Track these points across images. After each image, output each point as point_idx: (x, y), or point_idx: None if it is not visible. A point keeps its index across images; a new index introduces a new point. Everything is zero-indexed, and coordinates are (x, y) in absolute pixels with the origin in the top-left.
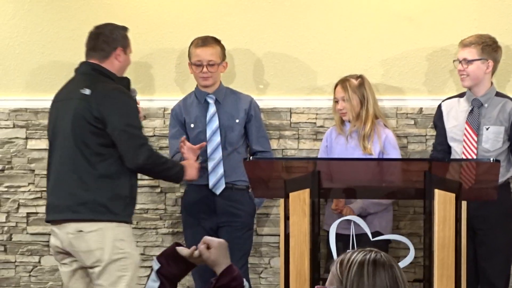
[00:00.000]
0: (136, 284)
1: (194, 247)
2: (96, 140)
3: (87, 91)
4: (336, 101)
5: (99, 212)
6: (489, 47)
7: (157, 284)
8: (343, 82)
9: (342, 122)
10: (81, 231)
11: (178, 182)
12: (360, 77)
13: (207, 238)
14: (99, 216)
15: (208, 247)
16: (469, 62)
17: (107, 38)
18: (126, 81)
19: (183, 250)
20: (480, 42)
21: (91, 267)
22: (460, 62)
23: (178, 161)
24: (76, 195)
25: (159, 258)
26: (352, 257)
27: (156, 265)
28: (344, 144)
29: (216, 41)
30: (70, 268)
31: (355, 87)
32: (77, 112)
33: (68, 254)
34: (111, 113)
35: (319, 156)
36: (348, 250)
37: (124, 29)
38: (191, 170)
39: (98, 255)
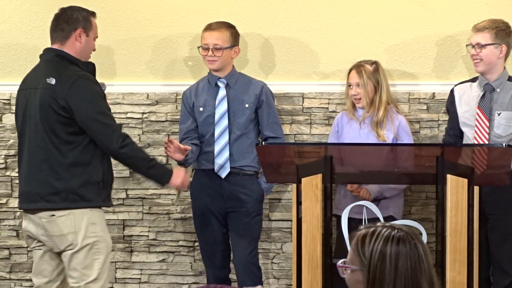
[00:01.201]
0: (108, 267)
1: None
2: (65, 129)
3: (52, 81)
4: (349, 86)
5: (71, 200)
6: (502, 31)
7: None
8: (358, 67)
9: (354, 107)
10: (53, 215)
11: (162, 185)
12: (375, 63)
13: None
14: (72, 204)
15: None
16: (483, 46)
17: (68, 18)
18: (92, 66)
19: None
20: (494, 26)
21: (64, 251)
22: (473, 46)
23: (166, 166)
24: (48, 184)
25: None
26: (374, 238)
27: None
28: (357, 130)
29: (228, 26)
30: (40, 251)
31: (370, 72)
32: (44, 102)
33: (39, 241)
34: (79, 102)
35: (328, 140)
36: (366, 225)
37: (89, 12)
38: (176, 178)
39: (71, 239)
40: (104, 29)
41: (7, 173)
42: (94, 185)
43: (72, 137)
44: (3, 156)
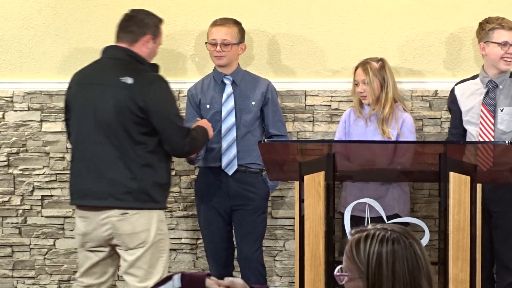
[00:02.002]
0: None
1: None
2: (138, 129)
3: (128, 80)
4: (356, 84)
5: (142, 201)
6: None
7: None
8: (364, 64)
9: (361, 104)
10: (126, 213)
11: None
12: (381, 60)
13: (229, 279)
14: (142, 204)
15: None
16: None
17: (139, 22)
18: (156, 68)
19: (212, 285)
20: None
21: (133, 249)
22: (510, 45)
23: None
24: (121, 183)
25: (183, 278)
26: (368, 242)
27: (178, 283)
28: (363, 127)
29: (235, 22)
30: (96, 257)
31: (376, 70)
32: (119, 101)
33: (98, 243)
34: (157, 104)
35: (336, 136)
36: (357, 229)
37: (159, 19)
38: (209, 129)
39: (144, 237)
40: (107, 27)
41: (10, 171)
42: (161, 187)
43: (144, 137)
44: (5, 154)
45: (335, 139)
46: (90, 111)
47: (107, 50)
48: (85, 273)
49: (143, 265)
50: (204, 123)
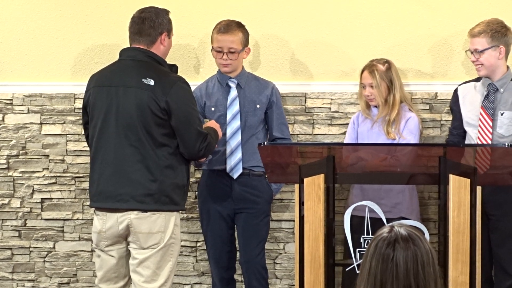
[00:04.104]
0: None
1: None
2: (160, 130)
3: (151, 82)
4: (363, 87)
5: (162, 203)
6: (498, 33)
7: None
8: (370, 67)
9: (368, 106)
10: (145, 212)
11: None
12: (387, 62)
13: None
14: (163, 206)
15: None
16: (481, 52)
17: (153, 23)
18: (175, 68)
19: None
20: (489, 30)
21: (145, 248)
22: (472, 52)
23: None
24: (142, 185)
25: None
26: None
27: None
28: (368, 128)
29: (239, 27)
30: (113, 259)
31: (383, 72)
32: (142, 102)
33: (114, 240)
34: (179, 105)
35: (346, 140)
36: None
37: (167, 12)
38: (218, 130)
39: (158, 238)
40: (107, 29)
41: (9, 174)
42: (180, 189)
43: (165, 139)
44: (5, 157)
45: (345, 141)
46: (112, 113)
47: (126, 52)
48: (103, 278)
49: (152, 265)
50: (213, 124)
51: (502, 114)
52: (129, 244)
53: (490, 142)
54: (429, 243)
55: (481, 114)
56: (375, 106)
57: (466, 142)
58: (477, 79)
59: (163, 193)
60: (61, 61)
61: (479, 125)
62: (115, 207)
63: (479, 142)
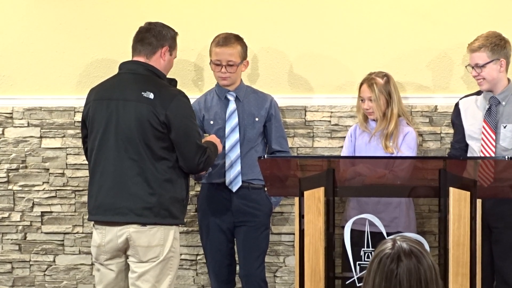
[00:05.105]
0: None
1: None
2: (159, 143)
3: (150, 95)
4: (361, 100)
5: (161, 216)
6: (497, 46)
7: None
8: (369, 81)
9: (366, 119)
10: (144, 225)
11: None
12: (386, 76)
13: None
14: (162, 220)
15: None
16: (482, 66)
17: (157, 34)
18: (175, 83)
19: None
20: (488, 43)
21: (144, 262)
22: (473, 67)
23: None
24: (141, 198)
25: None
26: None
27: None
28: (366, 142)
29: (238, 40)
30: (113, 273)
31: (382, 86)
32: (142, 115)
33: (113, 254)
34: (179, 119)
35: (343, 151)
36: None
37: (175, 32)
38: (218, 144)
39: (158, 251)
40: (106, 43)
41: (9, 187)
42: (179, 202)
43: (165, 152)
44: (5, 170)
45: (342, 154)
46: (111, 127)
47: (125, 65)
48: None
49: (151, 278)
50: (213, 138)
51: (504, 127)
52: (128, 258)
53: (493, 155)
54: (431, 257)
55: (483, 127)
56: (374, 120)
57: (469, 155)
58: (478, 93)
59: (162, 206)
60: (61, 74)
61: (482, 139)
62: (114, 220)
63: (483, 155)
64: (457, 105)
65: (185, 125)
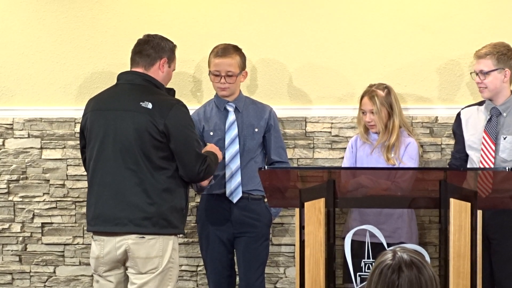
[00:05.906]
0: None
1: None
2: (158, 153)
3: (149, 105)
4: (363, 112)
5: (161, 226)
6: (504, 56)
7: None
8: (370, 93)
9: (366, 131)
10: (143, 237)
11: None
12: (386, 87)
13: None
14: (161, 230)
15: None
16: (486, 73)
17: (156, 45)
18: (173, 92)
19: None
20: (495, 52)
21: (143, 273)
22: (477, 74)
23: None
24: (140, 208)
25: None
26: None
27: None
28: (367, 153)
29: (236, 50)
30: (112, 284)
31: (383, 98)
32: (140, 125)
33: (112, 266)
34: (178, 128)
35: (344, 163)
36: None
37: (174, 44)
38: (218, 153)
39: (157, 262)
40: (107, 53)
41: (10, 198)
42: (178, 212)
43: (164, 162)
44: (5, 181)
45: (343, 165)
46: (109, 137)
47: (123, 76)
48: None
49: None
50: (212, 147)
51: (505, 139)
52: (127, 269)
53: (492, 166)
54: (432, 268)
55: (483, 138)
56: (376, 133)
57: (468, 165)
58: (480, 103)
59: (161, 216)
60: (62, 85)
61: (482, 149)
62: (113, 230)
63: (482, 166)
64: (458, 115)
65: (184, 134)
